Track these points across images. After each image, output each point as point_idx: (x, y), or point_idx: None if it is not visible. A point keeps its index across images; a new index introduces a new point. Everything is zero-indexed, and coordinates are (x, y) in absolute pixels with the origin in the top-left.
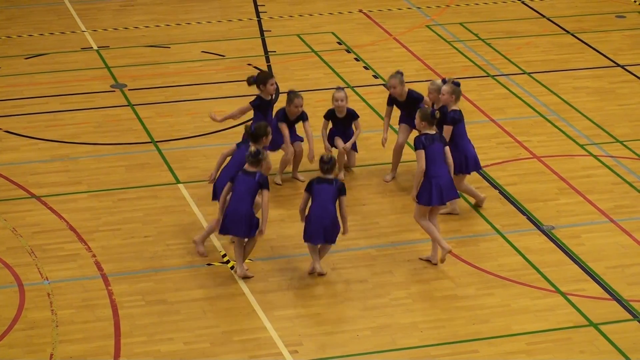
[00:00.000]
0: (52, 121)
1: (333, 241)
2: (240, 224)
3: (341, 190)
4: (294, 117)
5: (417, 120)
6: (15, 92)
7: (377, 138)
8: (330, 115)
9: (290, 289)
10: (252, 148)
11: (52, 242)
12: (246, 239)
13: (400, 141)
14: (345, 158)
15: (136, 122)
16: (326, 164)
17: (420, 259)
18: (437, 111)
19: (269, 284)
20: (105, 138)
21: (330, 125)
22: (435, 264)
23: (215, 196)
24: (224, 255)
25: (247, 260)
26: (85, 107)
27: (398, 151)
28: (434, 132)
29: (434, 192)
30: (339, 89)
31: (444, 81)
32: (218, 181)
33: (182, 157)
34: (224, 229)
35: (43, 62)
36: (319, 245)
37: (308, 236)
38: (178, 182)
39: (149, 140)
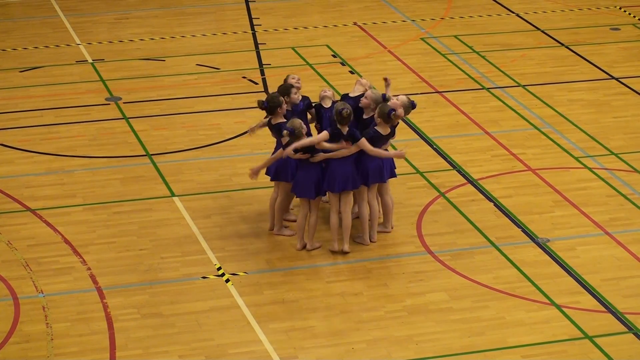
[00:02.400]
0: (47, 134)
1: (356, 186)
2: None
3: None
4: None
5: (376, 114)
6: (10, 105)
7: None
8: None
9: (285, 302)
10: (285, 132)
11: (47, 255)
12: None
13: None
14: None
15: (131, 135)
16: (340, 114)
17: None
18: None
19: (264, 296)
20: (100, 151)
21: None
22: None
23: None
24: (219, 268)
25: (241, 274)
26: (80, 120)
27: None
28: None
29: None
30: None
31: (384, 97)
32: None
33: (177, 170)
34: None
35: (38, 75)
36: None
37: (328, 185)
38: (173, 195)
39: (144, 153)
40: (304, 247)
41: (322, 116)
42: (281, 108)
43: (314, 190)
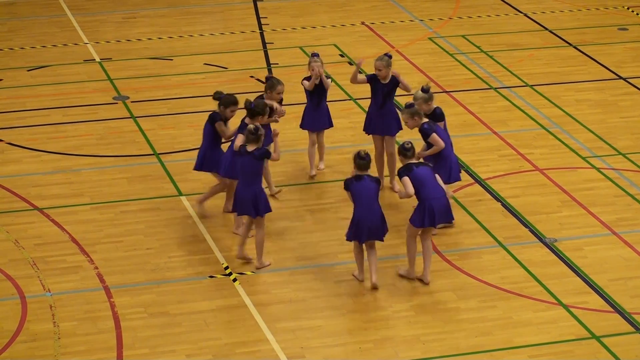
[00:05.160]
0: (54, 133)
1: (380, 239)
2: (249, 205)
3: (379, 184)
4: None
5: (400, 157)
6: (17, 104)
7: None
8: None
9: (292, 301)
10: (251, 125)
11: (54, 254)
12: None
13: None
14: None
15: (138, 134)
16: (363, 159)
17: (400, 274)
18: (410, 142)
19: (272, 296)
20: (108, 150)
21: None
22: (427, 283)
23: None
24: (226, 268)
25: (249, 273)
26: (87, 119)
27: (379, 159)
28: (416, 161)
29: (426, 215)
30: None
31: (424, 90)
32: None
33: (184, 170)
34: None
35: (45, 74)
36: (364, 251)
37: (353, 235)
38: (180, 194)
39: (151, 153)
40: (243, 258)
41: None
42: (262, 117)
43: (252, 209)
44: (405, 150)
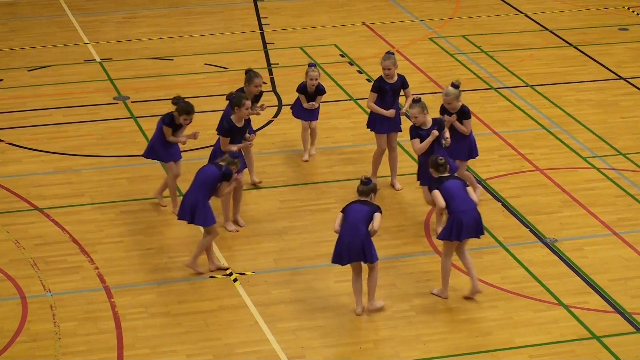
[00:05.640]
0: (55, 133)
1: (364, 260)
2: (187, 210)
3: (374, 211)
4: (251, 97)
5: (432, 170)
6: (18, 104)
7: None
8: (302, 89)
9: (293, 301)
10: (234, 152)
11: (54, 254)
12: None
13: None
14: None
15: (139, 134)
16: (363, 184)
17: (432, 293)
18: (443, 157)
19: (272, 296)
20: (108, 150)
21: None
22: (446, 298)
23: None
24: (227, 268)
25: (249, 273)
26: (88, 120)
27: (379, 158)
28: (447, 174)
29: (454, 229)
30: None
31: (455, 85)
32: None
33: (184, 170)
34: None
35: (46, 74)
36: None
37: (335, 255)
38: (181, 194)
39: None
40: (216, 268)
41: None
42: (239, 109)
43: (188, 215)
44: (438, 165)
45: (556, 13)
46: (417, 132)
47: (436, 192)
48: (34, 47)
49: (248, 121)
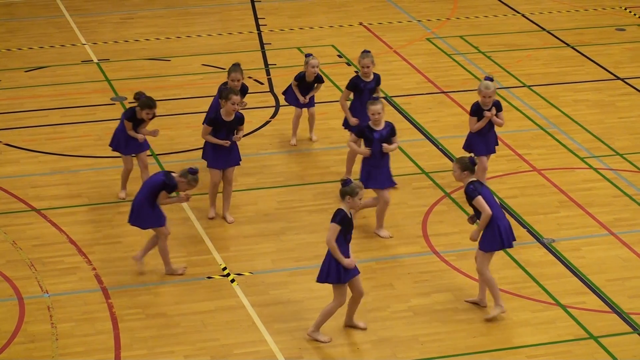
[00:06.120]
0: (52, 134)
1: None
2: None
3: (332, 219)
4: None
5: (457, 172)
6: (15, 105)
7: None
8: (300, 79)
9: (290, 302)
10: (194, 171)
11: (52, 255)
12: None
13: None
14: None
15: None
16: (341, 186)
17: (467, 301)
18: (475, 157)
19: (269, 297)
20: (106, 151)
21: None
22: (485, 307)
23: None
24: (224, 268)
25: (247, 274)
26: (85, 120)
27: (352, 157)
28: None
29: (502, 236)
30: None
31: (489, 79)
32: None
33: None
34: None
35: (43, 75)
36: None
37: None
38: (178, 195)
39: (149, 154)
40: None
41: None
42: (225, 103)
43: (132, 217)
44: (474, 165)
45: (553, 13)
46: (368, 133)
47: (481, 200)
48: (31, 48)
49: (241, 118)
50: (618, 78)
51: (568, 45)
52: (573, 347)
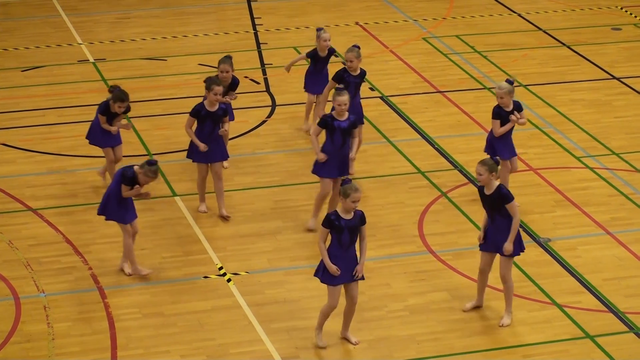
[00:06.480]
0: (48, 134)
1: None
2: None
3: (362, 220)
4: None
5: (485, 175)
6: (11, 105)
7: (374, 150)
8: (314, 54)
9: (286, 301)
10: (152, 162)
11: (48, 255)
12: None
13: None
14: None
15: (133, 135)
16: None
17: (467, 310)
18: (497, 157)
19: (266, 296)
20: (102, 151)
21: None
22: (480, 306)
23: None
24: (221, 268)
25: (243, 273)
26: (82, 120)
27: None
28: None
29: (521, 240)
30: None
31: (509, 82)
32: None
33: (178, 170)
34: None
35: (39, 75)
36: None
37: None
38: (174, 194)
39: (146, 153)
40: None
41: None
42: (208, 93)
43: (101, 208)
44: (496, 164)
45: (549, 13)
46: (330, 122)
47: (515, 204)
48: (27, 48)
49: (225, 109)
50: (614, 77)
51: (564, 44)
52: (569, 347)
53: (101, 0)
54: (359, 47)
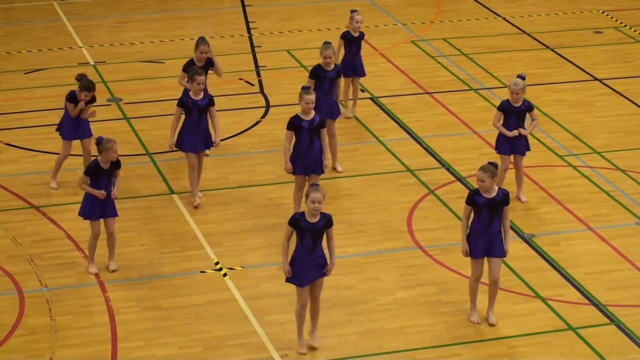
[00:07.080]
0: (50, 134)
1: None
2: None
3: (328, 223)
4: (200, 63)
5: (488, 181)
6: (15, 106)
7: (365, 149)
8: (346, 36)
9: (280, 295)
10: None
11: (50, 251)
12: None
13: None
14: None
15: (132, 135)
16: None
17: (474, 321)
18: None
19: (260, 290)
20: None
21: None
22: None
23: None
24: (217, 263)
25: (238, 268)
26: None
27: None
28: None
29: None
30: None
31: (521, 77)
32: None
33: (176, 169)
34: None
35: (42, 77)
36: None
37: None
38: (172, 192)
39: (144, 152)
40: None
41: None
42: (191, 84)
43: (93, 213)
44: (496, 168)
45: (533, 17)
46: (295, 121)
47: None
48: (30, 51)
49: (211, 99)
50: (596, 79)
51: (548, 47)
52: (552, 338)
53: (101, 5)
54: (330, 43)
